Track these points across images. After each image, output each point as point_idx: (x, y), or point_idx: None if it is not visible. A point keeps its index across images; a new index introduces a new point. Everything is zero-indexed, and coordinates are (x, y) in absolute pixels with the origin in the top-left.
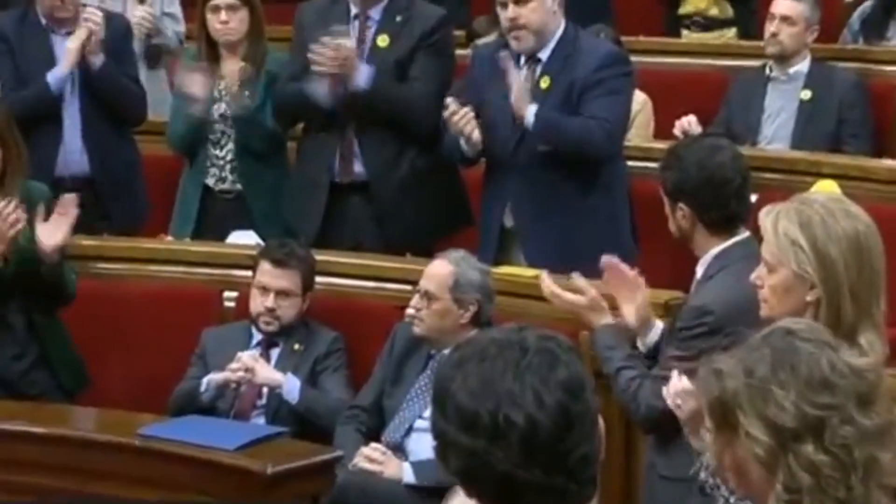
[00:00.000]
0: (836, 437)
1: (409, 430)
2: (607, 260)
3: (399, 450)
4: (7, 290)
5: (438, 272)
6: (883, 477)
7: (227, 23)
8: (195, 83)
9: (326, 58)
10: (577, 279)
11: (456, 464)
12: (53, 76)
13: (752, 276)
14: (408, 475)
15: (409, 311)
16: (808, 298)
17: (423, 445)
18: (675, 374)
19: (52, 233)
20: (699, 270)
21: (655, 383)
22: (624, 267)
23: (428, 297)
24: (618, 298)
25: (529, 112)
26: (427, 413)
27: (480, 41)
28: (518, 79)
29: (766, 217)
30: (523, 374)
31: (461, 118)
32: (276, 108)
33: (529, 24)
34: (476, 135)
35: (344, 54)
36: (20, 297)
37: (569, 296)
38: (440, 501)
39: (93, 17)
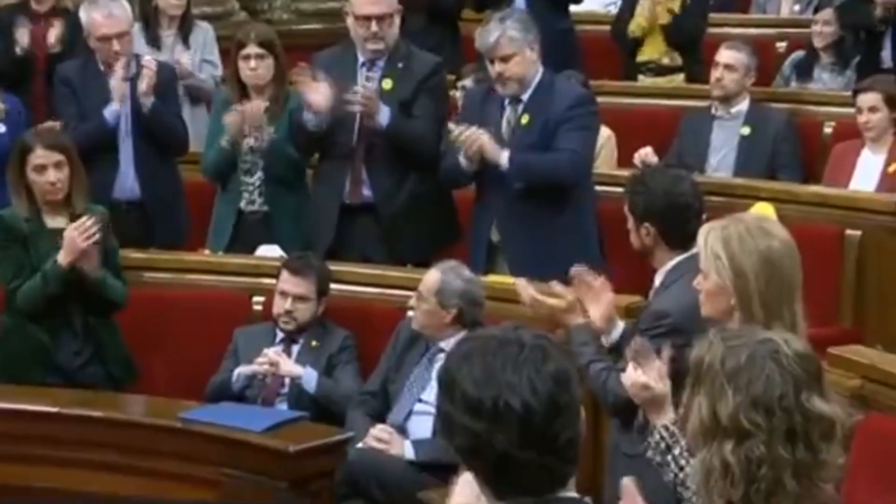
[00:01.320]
0: (752, 451)
1: (410, 413)
2: (576, 270)
3: (401, 430)
4: (69, 298)
5: (429, 279)
6: (786, 498)
7: (256, 69)
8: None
9: (363, 100)
10: (556, 286)
11: (460, 443)
12: (109, 111)
13: (694, 283)
14: (409, 452)
15: (410, 305)
16: (732, 302)
17: (421, 426)
18: (630, 366)
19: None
20: (657, 280)
21: (619, 375)
22: (591, 275)
23: (419, 297)
24: (585, 302)
25: (503, 158)
26: (424, 396)
27: (460, 82)
28: (485, 139)
29: (700, 234)
30: (520, 366)
31: (470, 135)
32: (293, 140)
33: (513, 76)
34: (490, 149)
35: (373, 98)
36: (80, 303)
37: (548, 300)
38: (436, 474)
39: (149, 65)
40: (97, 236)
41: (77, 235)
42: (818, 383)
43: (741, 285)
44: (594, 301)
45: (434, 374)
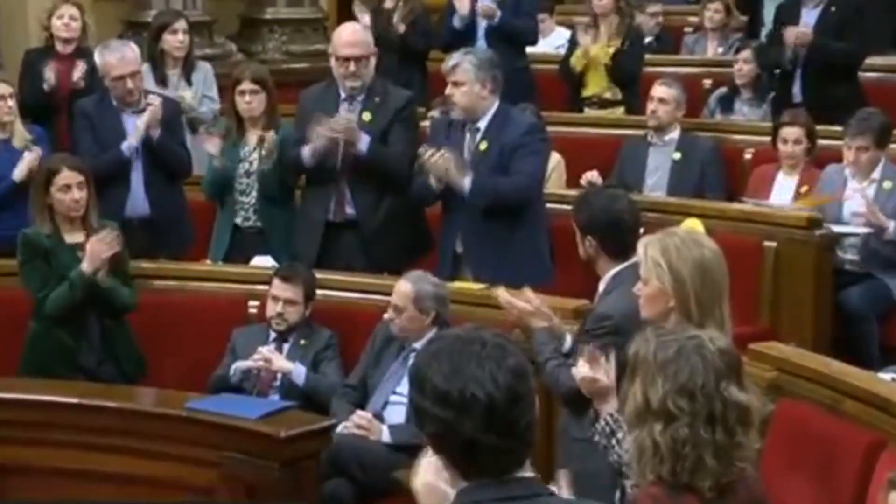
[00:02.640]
0: (678, 433)
1: (386, 403)
2: (528, 290)
3: (378, 417)
4: (88, 305)
5: (403, 290)
6: (709, 471)
7: (251, 103)
8: (212, 144)
9: (337, 129)
10: (527, 292)
11: (431, 430)
12: (126, 146)
13: (634, 289)
14: (385, 436)
15: (386, 317)
16: (670, 305)
17: (397, 414)
18: (580, 362)
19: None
20: (601, 286)
21: (570, 371)
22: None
23: (397, 309)
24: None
25: (466, 183)
26: (399, 389)
27: (428, 114)
28: (450, 163)
29: (640, 245)
30: (483, 361)
31: (437, 158)
32: (279, 166)
33: (458, 102)
34: (454, 172)
35: (353, 127)
36: (97, 309)
37: (519, 304)
38: (409, 455)
39: (154, 103)
40: (118, 248)
41: (100, 246)
42: (737, 375)
43: (679, 289)
44: (545, 318)
45: (406, 370)
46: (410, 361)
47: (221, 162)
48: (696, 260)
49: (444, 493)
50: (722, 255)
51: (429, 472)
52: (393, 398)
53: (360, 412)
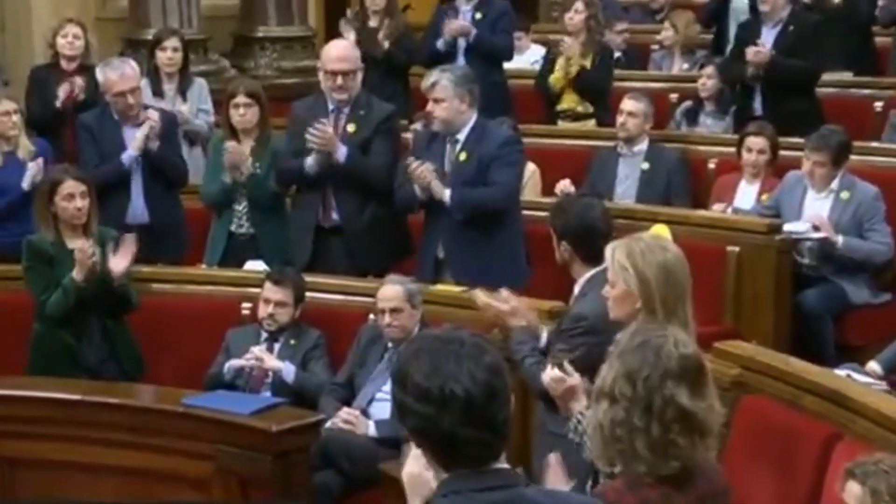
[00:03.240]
0: (616, 415)
1: (372, 399)
2: (505, 292)
3: (364, 413)
4: (88, 306)
5: (394, 293)
6: (640, 463)
7: (245, 115)
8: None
9: (318, 139)
10: (504, 293)
11: (413, 424)
12: (126, 157)
13: (602, 291)
14: (371, 430)
15: (385, 323)
16: (637, 306)
17: (381, 410)
18: (548, 366)
19: (119, 262)
20: (576, 289)
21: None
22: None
23: (395, 312)
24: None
25: (445, 195)
26: (384, 388)
27: (411, 126)
28: (431, 176)
29: (608, 250)
30: (462, 360)
31: (423, 169)
32: (276, 175)
33: (438, 116)
34: (433, 179)
35: (330, 136)
36: (97, 310)
37: (496, 305)
38: (394, 448)
39: (152, 116)
40: (95, 258)
41: (80, 255)
42: (690, 381)
43: (645, 290)
44: (521, 317)
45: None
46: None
47: (232, 178)
48: (660, 263)
49: (428, 483)
50: (684, 259)
51: (414, 463)
52: (378, 395)
53: (346, 409)
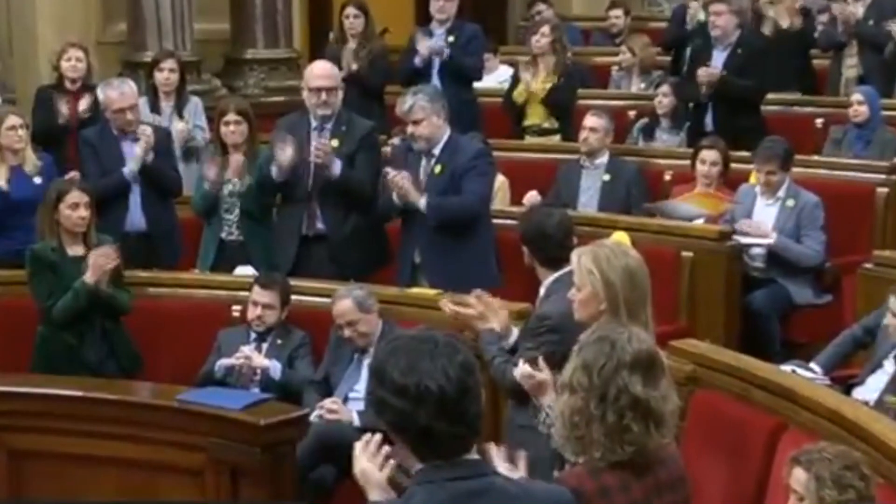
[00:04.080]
0: (575, 404)
1: (346, 399)
2: (478, 292)
3: None
4: (89, 310)
5: (345, 307)
6: (595, 448)
7: (234, 132)
8: (211, 170)
9: (321, 154)
10: (471, 298)
11: (390, 419)
12: (127, 171)
13: (568, 294)
14: (355, 419)
15: (347, 336)
16: (601, 308)
17: (354, 408)
18: (521, 361)
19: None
20: (542, 291)
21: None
22: (490, 297)
23: (351, 324)
24: (487, 315)
25: (421, 203)
26: (357, 387)
27: (389, 141)
28: (408, 184)
29: (574, 256)
30: (436, 358)
31: (401, 178)
32: (262, 187)
33: (422, 136)
34: (411, 190)
35: (329, 153)
36: (97, 314)
37: (465, 310)
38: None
39: (147, 132)
40: (117, 261)
41: (102, 260)
42: (644, 372)
43: (610, 293)
44: (493, 316)
45: (362, 370)
46: (365, 362)
47: (213, 186)
48: (624, 267)
49: (377, 474)
50: (644, 264)
51: (362, 459)
52: (351, 395)
53: (329, 398)
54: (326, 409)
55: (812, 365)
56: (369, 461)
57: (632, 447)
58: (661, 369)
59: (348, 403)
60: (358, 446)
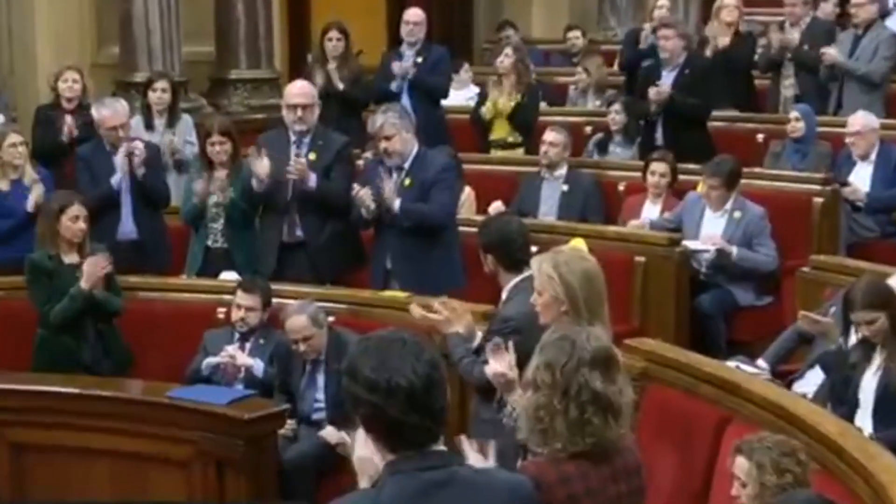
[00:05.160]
0: (539, 400)
1: (312, 412)
2: (443, 299)
3: (309, 420)
4: (84, 313)
5: (300, 323)
6: (556, 438)
7: (219, 151)
8: (199, 185)
9: (297, 170)
10: (438, 303)
11: (363, 412)
12: (114, 179)
13: (531, 299)
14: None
15: (301, 350)
16: (563, 310)
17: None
18: (491, 360)
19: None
20: (504, 294)
21: (481, 365)
22: (454, 302)
23: (306, 339)
24: (452, 319)
25: (395, 205)
26: (318, 396)
27: (363, 155)
28: (389, 185)
29: (534, 262)
30: (404, 356)
31: (365, 194)
32: (246, 197)
33: (394, 151)
34: (372, 205)
35: (304, 167)
36: (92, 317)
37: (432, 315)
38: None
39: (138, 146)
40: (110, 268)
41: (96, 268)
42: (602, 368)
43: (571, 296)
44: (459, 320)
45: (317, 380)
46: (318, 372)
47: (199, 200)
48: (582, 271)
49: (374, 464)
50: (600, 269)
51: (362, 447)
52: (315, 405)
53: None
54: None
55: (759, 361)
56: (369, 451)
57: (592, 438)
58: (618, 365)
59: (316, 413)
60: (359, 436)
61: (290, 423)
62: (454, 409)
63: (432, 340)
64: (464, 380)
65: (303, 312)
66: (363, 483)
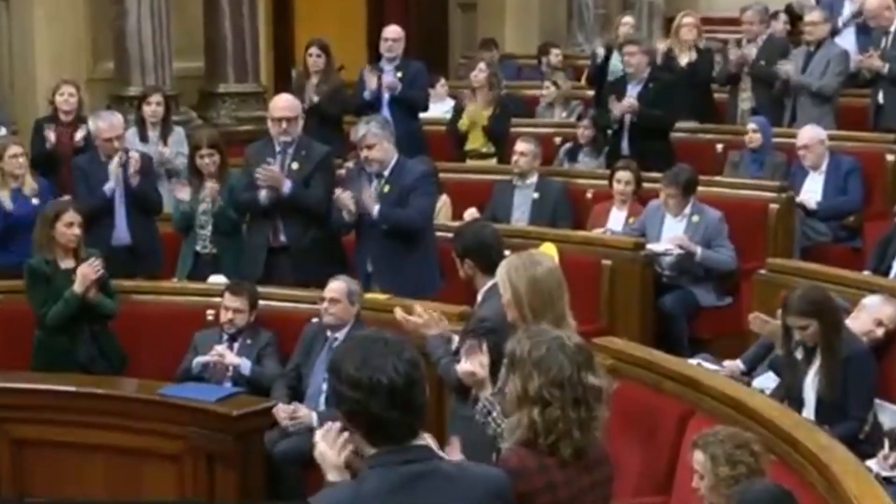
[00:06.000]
0: (552, 415)
1: (320, 387)
2: (423, 304)
3: (314, 398)
4: (78, 315)
5: (338, 286)
6: (574, 441)
7: (208, 162)
8: (183, 192)
9: (267, 177)
10: (418, 308)
11: (346, 408)
12: (107, 187)
13: (501, 299)
14: (314, 421)
15: (324, 308)
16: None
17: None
18: (462, 359)
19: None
20: (479, 297)
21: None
22: (433, 309)
23: (333, 301)
24: (432, 323)
25: (375, 210)
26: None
27: (345, 164)
28: (369, 191)
29: (499, 267)
30: (386, 355)
31: (346, 197)
32: (234, 205)
33: (375, 159)
34: (353, 208)
35: (275, 174)
36: (87, 319)
37: (413, 318)
38: None
39: (133, 156)
40: (102, 272)
41: (88, 271)
42: (590, 364)
43: (517, 299)
44: (435, 325)
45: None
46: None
47: (186, 206)
48: (531, 277)
49: (335, 458)
50: (556, 272)
51: (321, 443)
52: (325, 387)
53: (282, 407)
54: (290, 420)
55: (738, 363)
56: (329, 446)
57: (599, 431)
58: (594, 355)
59: (322, 395)
60: (318, 433)
61: (293, 419)
62: (432, 407)
63: (412, 341)
64: (442, 379)
65: (345, 282)
66: (332, 477)
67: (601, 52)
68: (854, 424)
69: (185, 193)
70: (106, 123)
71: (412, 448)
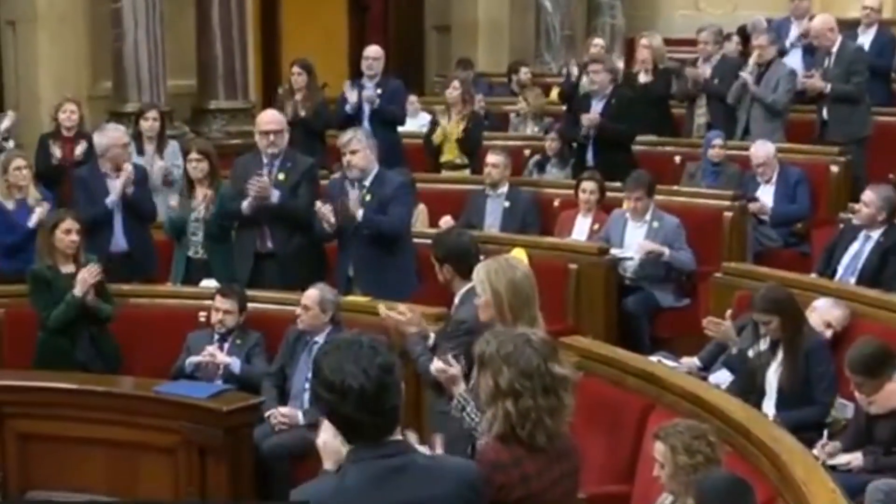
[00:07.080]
0: (525, 404)
1: (304, 386)
2: (404, 306)
3: (299, 398)
4: (78, 318)
5: (311, 295)
6: (546, 429)
7: (196, 168)
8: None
9: (258, 188)
10: (401, 306)
11: (322, 408)
12: (109, 201)
13: (475, 301)
14: (301, 420)
15: (297, 314)
16: (494, 312)
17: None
18: (436, 359)
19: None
20: (456, 300)
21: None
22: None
23: (306, 308)
24: (412, 321)
25: (359, 214)
26: (308, 375)
27: (332, 175)
28: (354, 197)
29: (475, 270)
30: (359, 359)
31: (327, 210)
32: (223, 214)
33: (357, 166)
34: (332, 219)
35: (264, 185)
36: (86, 321)
37: (395, 315)
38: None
39: (128, 169)
40: (100, 277)
41: (87, 276)
42: (555, 356)
43: (498, 301)
44: (418, 323)
45: (311, 362)
46: (314, 351)
47: (177, 214)
48: (509, 279)
49: (338, 450)
50: (530, 276)
51: (326, 433)
52: (307, 385)
53: (281, 410)
54: (278, 422)
55: (695, 360)
56: (333, 436)
57: (568, 419)
58: (558, 348)
59: (307, 393)
60: (325, 422)
61: (281, 417)
62: (412, 403)
63: (391, 340)
64: (420, 375)
65: (320, 291)
66: (328, 465)
67: (575, 70)
68: (821, 409)
69: (176, 201)
70: (118, 134)
71: (389, 443)
